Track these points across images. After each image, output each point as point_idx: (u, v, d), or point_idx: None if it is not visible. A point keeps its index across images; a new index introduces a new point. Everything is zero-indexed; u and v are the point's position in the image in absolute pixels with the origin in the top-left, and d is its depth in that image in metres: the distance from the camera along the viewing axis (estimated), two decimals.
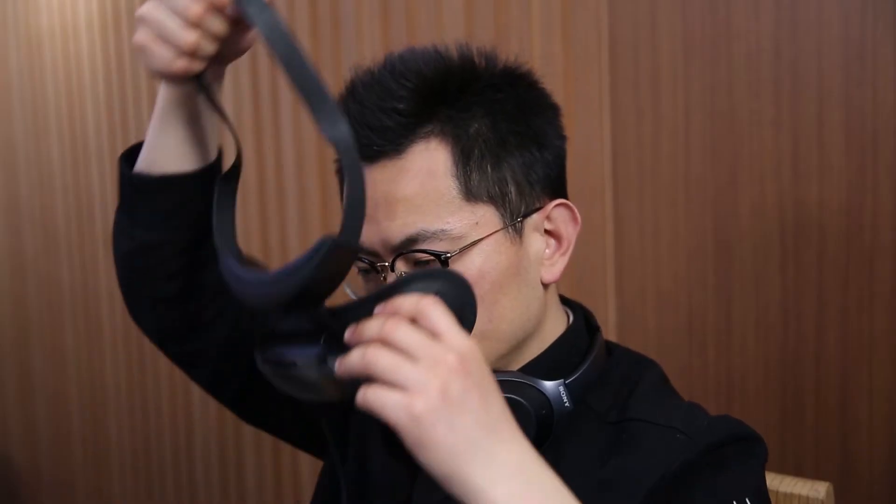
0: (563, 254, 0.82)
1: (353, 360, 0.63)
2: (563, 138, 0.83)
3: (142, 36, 0.72)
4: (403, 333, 0.63)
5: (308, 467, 2.02)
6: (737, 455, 0.76)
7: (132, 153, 0.84)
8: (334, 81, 1.83)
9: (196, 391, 2.22)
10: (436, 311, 0.64)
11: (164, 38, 0.70)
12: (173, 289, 0.86)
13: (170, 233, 0.83)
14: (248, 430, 2.11)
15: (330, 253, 0.63)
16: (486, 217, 0.76)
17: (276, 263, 1.95)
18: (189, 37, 0.70)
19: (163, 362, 2.29)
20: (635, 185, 1.45)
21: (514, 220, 0.77)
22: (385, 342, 0.62)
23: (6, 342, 2.89)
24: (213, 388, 0.98)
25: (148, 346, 2.46)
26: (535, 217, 0.80)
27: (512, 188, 0.77)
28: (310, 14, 1.85)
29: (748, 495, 0.72)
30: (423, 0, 1.66)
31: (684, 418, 0.79)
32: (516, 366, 0.81)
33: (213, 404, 2.19)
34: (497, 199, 0.76)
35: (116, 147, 2.35)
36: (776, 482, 1.03)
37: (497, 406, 0.64)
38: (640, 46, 1.43)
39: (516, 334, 0.79)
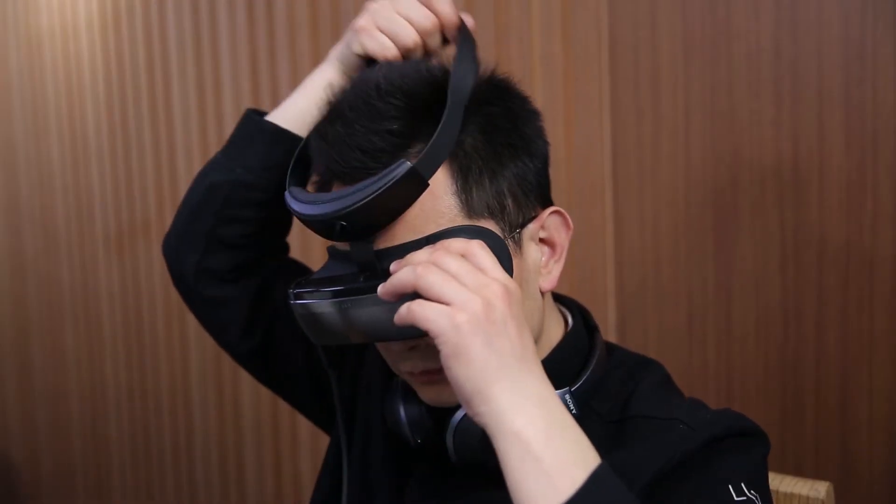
0: (558, 260, 0.81)
1: (400, 275, 0.66)
2: (547, 143, 0.83)
3: (367, 22, 0.84)
4: (452, 261, 0.66)
5: (308, 466, 2.02)
6: (737, 448, 0.76)
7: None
8: None
9: (196, 391, 2.22)
10: (482, 251, 0.68)
11: (391, 32, 0.83)
12: (234, 233, 0.93)
13: (266, 181, 0.91)
14: (249, 431, 2.11)
15: (402, 176, 0.69)
16: None
17: None
18: (412, 40, 0.83)
19: (163, 362, 2.30)
20: (635, 185, 1.45)
21: (513, 231, 0.77)
22: (434, 265, 0.66)
23: (6, 342, 2.89)
24: (234, 338, 1.00)
25: (148, 345, 2.47)
26: (532, 226, 0.79)
27: (509, 200, 0.77)
28: (310, 14, 1.85)
29: (742, 481, 0.73)
30: None
31: (686, 411, 0.80)
32: None
33: (213, 404, 2.19)
34: (496, 214, 0.76)
35: (116, 147, 2.36)
36: (776, 482, 1.03)
37: (530, 344, 0.66)
38: (640, 46, 1.43)
39: None
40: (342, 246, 0.77)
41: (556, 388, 0.78)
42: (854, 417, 1.31)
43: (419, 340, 0.75)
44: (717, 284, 1.40)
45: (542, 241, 0.81)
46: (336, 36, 1.84)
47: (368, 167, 0.73)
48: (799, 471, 1.33)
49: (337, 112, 0.77)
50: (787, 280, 1.35)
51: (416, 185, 0.70)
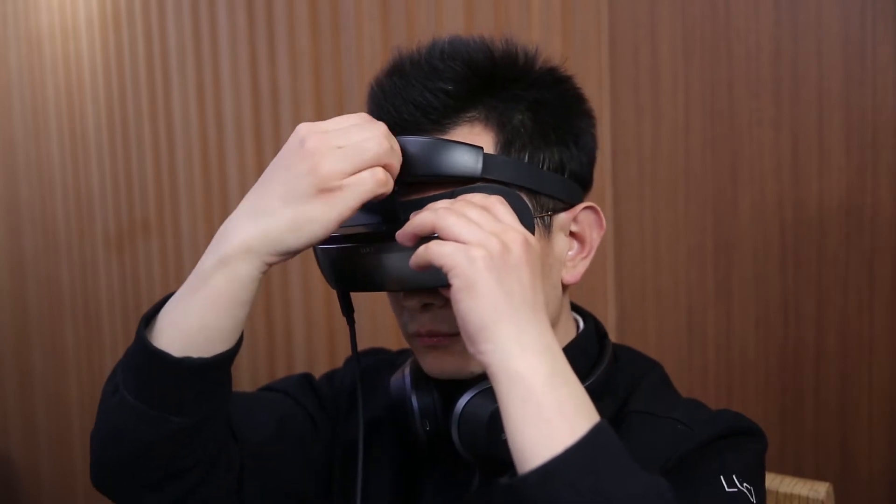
0: (585, 258, 0.83)
1: (420, 217, 0.67)
2: (596, 146, 0.86)
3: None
4: (472, 210, 0.67)
5: None
6: (731, 446, 0.77)
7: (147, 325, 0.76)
8: (334, 81, 1.83)
9: None
10: (502, 206, 0.69)
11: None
12: (188, 463, 0.78)
13: (213, 408, 0.76)
14: None
15: (469, 148, 0.73)
16: None
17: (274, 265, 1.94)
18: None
19: None
20: (635, 185, 1.45)
21: (544, 212, 0.78)
22: (455, 213, 0.66)
23: (6, 342, 2.89)
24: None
25: None
26: (564, 216, 0.81)
27: (545, 182, 0.79)
28: (310, 14, 1.85)
29: (734, 473, 0.73)
30: (423, 0, 1.66)
31: (684, 411, 0.80)
32: None
33: None
34: (530, 191, 0.78)
35: (116, 147, 2.36)
36: (776, 482, 1.03)
37: (541, 297, 0.67)
38: (640, 46, 1.43)
39: None
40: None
41: None
42: (854, 417, 1.31)
43: (434, 299, 0.76)
44: (717, 284, 1.40)
45: (573, 234, 0.82)
46: (336, 37, 1.85)
47: (419, 122, 0.76)
48: (799, 471, 1.33)
49: (398, 66, 0.80)
50: (787, 280, 1.35)
51: (472, 161, 0.73)
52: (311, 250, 0.77)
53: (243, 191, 2.01)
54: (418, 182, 0.74)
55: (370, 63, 1.75)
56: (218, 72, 2.04)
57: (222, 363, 0.75)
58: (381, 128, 0.72)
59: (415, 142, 0.74)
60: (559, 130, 0.80)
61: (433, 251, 0.64)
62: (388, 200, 0.73)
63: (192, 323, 0.73)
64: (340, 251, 0.76)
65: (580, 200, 0.83)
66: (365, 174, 0.69)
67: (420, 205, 0.72)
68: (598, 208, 0.83)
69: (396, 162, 0.72)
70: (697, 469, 0.74)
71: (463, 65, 0.77)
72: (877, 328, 1.29)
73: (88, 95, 2.43)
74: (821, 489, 1.01)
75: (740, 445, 0.77)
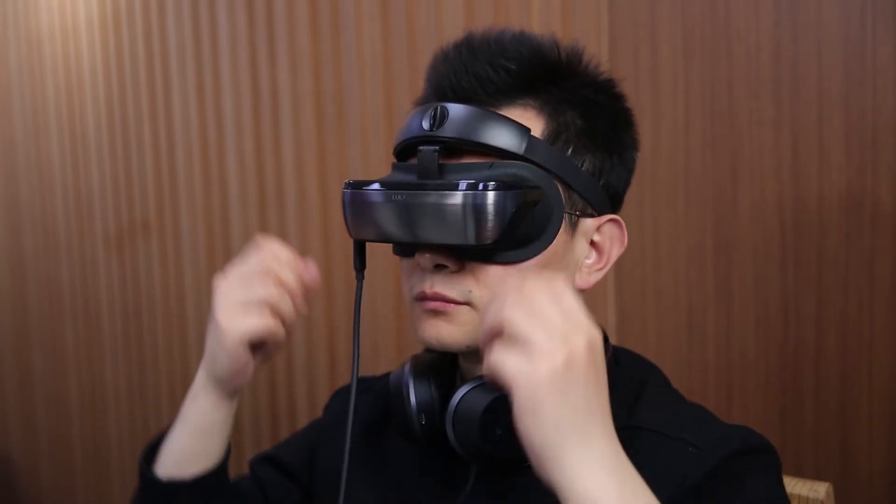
0: (601, 269, 0.83)
1: (490, 314, 0.64)
2: (634, 171, 0.87)
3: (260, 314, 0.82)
4: (541, 298, 0.63)
5: None
6: (751, 468, 0.76)
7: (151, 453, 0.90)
8: (334, 81, 1.83)
9: None
10: (568, 293, 0.65)
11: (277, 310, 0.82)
12: None
13: None
14: (247, 431, 2.11)
15: (518, 126, 0.76)
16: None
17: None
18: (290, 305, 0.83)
19: (163, 362, 2.30)
20: (635, 184, 1.44)
21: (573, 210, 0.79)
22: (524, 298, 0.63)
23: (6, 342, 2.89)
24: None
25: (148, 345, 2.46)
26: (590, 222, 0.81)
27: (580, 182, 0.79)
28: (310, 14, 1.85)
29: (763, 500, 0.72)
30: (423, 0, 1.66)
31: (695, 429, 0.79)
32: None
33: None
34: (566, 185, 0.78)
35: (116, 147, 2.36)
36: None
37: (605, 401, 0.64)
38: (640, 46, 1.43)
39: None
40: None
41: None
42: (854, 417, 1.31)
43: (449, 261, 0.76)
44: (717, 284, 1.40)
45: (593, 244, 0.82)
46: (336, 36, 1.85)
47: (476, 93, 0.78)
48: (799, 471, 1.33)
49: (467, 40, 0.81)
50: (787, 280, 1.35)
51: (517, 139, 0.74)
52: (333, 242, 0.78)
53: (243, 191, 2.01)
54: (462, 149, 0.76)
55: (370, 63, 1.75)
56: (218, 72, 2.04)
57: (201, 483, 0.86)
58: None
59: (467, 108, 0.76)
60: (605, 138, 0.82)
61: (494, 363, 0.61)
62: (429, 159, 0.75)
63: (175, 446, 0.87)
64: (368, 196, 0.77)
65: (608, 213, 0.83)
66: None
67: (459, 168, 0.74)
68: (624, 225, 0.83)
69: (286, 305, 0.80)
70: (718, 497, 0.73)
71: (530, 50, 0.79)
72: (877, 328, 1.29)
73: (88, 95, 2.43)
74: (821, 489, 1.01)
75: (759, 470, 0.76)
